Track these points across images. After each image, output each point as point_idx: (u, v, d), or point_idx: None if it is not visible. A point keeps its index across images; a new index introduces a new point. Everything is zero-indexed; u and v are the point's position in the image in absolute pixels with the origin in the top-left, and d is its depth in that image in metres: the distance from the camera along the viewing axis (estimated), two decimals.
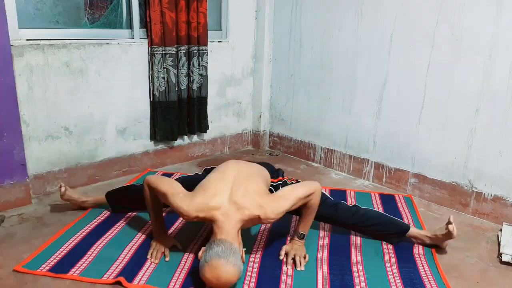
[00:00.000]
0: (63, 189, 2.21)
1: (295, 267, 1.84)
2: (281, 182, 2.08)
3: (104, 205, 2.31)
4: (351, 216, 2.05)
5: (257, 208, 1.71)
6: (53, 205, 2.38)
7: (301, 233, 1.93)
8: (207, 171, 2.15)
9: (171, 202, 1.75)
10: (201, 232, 2.11)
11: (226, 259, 1.55)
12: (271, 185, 2.05)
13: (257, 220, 1.73)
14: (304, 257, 1.89)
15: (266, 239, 2.06)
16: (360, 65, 2.87)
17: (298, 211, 1.92)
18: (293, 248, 1.91)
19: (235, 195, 1.73)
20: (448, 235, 1.92)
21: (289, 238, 2.08)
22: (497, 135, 2.29)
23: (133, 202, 2.20)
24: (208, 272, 1.56)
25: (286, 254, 1.91)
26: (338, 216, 2.04)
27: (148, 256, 1.88)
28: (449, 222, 1.91)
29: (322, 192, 1.95)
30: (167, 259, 1.87)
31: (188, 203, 1.72)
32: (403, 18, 2.58)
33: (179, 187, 1.82)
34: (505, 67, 2.21)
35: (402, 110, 2.68)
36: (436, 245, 2.03)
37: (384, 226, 2.05)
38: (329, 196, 2.15)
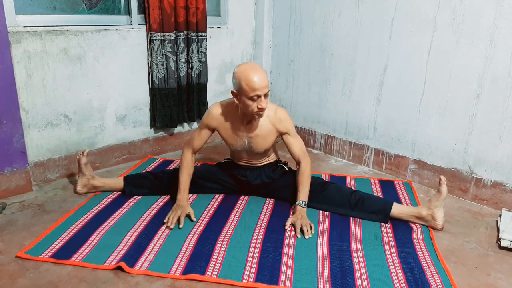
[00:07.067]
0: (86, 152, 2.32)
1: (303, 236, 1.95)
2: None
3: (106, 192, 2.35)
4: (346, 191, 2.20)
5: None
6: (53, 192, 2.39)
7: (303, 201, 2.08)
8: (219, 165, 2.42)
9: (199, 126, 2.19)
10: (201, 219, 2.12)
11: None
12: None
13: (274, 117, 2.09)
14: (310, 227, 1.99)
15: (266, 225, 2.07)
16: (361, 51, 2.84)
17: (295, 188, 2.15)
18: (298, 218, 2.02)
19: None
20: (439, 193, 2.03)
21: (291, 212, 2.17)
22: (497, 121, 2.29)
23: (149, 185, 2.33)
24: (242, 68, 1.89)
25: (293, 225, 2.01)
26: (335, 193, 2.18)
27: (165, 220, 2.02)
28: (440, 180, 2.05)
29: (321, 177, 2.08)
30: (180, 225, 1.99)
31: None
32: (404, 3, 2.55)
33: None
34: (506, 52, 2.19)
35: (403, 96, 2.67)
36: (433, 227, 2.07)
37: (377, 198, 2.25)
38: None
